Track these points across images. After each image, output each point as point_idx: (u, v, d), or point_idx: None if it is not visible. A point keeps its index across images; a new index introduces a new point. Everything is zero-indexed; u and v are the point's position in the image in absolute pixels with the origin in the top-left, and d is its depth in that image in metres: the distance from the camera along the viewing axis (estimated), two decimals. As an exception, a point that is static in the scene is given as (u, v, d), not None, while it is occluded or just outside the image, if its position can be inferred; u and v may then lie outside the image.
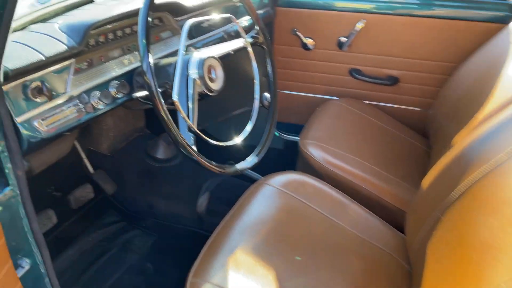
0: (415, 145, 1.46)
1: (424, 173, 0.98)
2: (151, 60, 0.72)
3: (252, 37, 1.01)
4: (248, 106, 1.06)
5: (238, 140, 0.91)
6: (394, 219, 1.14)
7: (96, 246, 1.26)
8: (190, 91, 0.82)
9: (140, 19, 0.72)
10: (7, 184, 0.69)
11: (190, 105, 0.81)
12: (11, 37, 0.74)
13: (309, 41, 1.63)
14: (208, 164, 0.80)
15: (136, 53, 0.92)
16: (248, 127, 0.95)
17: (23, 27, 0.78)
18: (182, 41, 0.81)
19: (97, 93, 0.80)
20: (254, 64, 0.98)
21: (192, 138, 0.79)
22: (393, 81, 1.58)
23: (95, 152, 1.36)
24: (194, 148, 0.78)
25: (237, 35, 1.33)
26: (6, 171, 0.68)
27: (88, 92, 0.79)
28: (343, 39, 1.58)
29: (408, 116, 1.63)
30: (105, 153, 1.38)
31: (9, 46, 0.68)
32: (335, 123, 1.44)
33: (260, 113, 1.02)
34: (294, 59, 1.69)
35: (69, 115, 0.74)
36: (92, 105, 0.79)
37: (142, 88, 0.89)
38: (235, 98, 1.67)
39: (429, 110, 1.48)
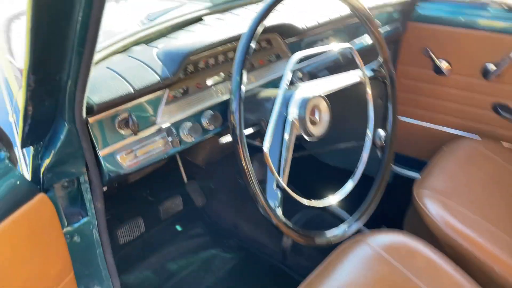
0: None
1: None
2: (242, 96, 0.62)
3: (373, 70, 0.83)
4: (356, 141, 0.89)
5: (334, 199, 0.76)
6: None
7: (179, 257, 1.25)
8: (286, 136, 0.69)
9: (239, 49, 0.62)
10: (86, 215, 0.67)
11: (283, 153, 0.68)
12: (109, 62, 0.72)
13: (443, 64, 1.35)
14: (292, 233, 0.67)
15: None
16: (349, 185, 0.78)
17: (125, 49, 0.75)
18: (285, 76, 0.69)
19: (188, 124, 0.73)
20: (371, 106, 0.80)
21: (279, 196, 0.66)
22: (556, 125, 1.22)
23: (190, 162, 1.35)
24: (279, 212, 0.66)
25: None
26: (86, 201, 0.66)
27: (178, 123, 0.72)
28: (491, 67, 1.26)
29: None
30: (199, 165, 1.36)
31: (103, 74, 0.65)
32: (466, 171, 1.16)
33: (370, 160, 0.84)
34: (422, 83, 1.43)
35: (154, 149, 0.69)
36: (180, 138, 0.72)
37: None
38: (342, 128, 1.50)
39: None
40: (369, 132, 0.80)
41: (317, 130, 0.72)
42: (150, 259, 1.21)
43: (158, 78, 0.66)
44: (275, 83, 0.91)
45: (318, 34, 1.02)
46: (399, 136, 1.56)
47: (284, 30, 0.90)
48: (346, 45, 0.78)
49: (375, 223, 1.44)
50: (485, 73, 1.28)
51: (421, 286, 0.84)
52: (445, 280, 0.86)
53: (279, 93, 0.68)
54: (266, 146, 0.63)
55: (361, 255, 0.89)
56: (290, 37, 0.92)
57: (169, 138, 0.70)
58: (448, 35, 1.31)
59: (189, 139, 0.73)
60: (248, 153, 0.62)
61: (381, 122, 0.94)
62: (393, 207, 1.24)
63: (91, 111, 0.59)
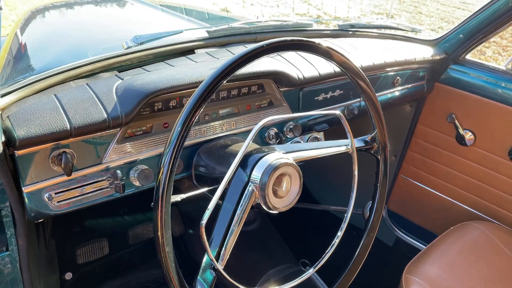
0: None
1: None
2: (179, 152, 0.51)
3: (365, 141, 0.70)
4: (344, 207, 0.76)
5: None
6: None
7: (143, 285, 1.15)
8: (242, 203, 0.58)
9: (192, 97, 0.51)
10: (7, 249, 0.59)
11: (232, 226, 0.57)
12: (63, 88, 0.64)
13: (467, 135, 1.19)
14: None
15: (214, 124, 0.73)
16: (306, 276, 0.65)
17: (91, 74, 0.67)
18: (249, 138, 0.58)
19: (141, 167, 0.64)
20: (355, 182, 0.68)
21: (211, 279, 0.55)
22: None
23: (174, 186, 1.25)
24: None
25: (363, 113, 1.02)
26: (8, 236, 0.58)
27: (130, 165, 0.64)
28: (520, 149, 1.09)
29: None
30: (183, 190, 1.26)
31: (45, 103, 0.58)
32: (467, 262, 0.99)
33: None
34: (440, 149, 1.27)
35: (92, 191, 0.60)
36: (127, 182, 0.63)
37: (198, 176, 0.70)
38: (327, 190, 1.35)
39: None
40: (348, 214, 0.68)
41: (280, 203, 0.60)
42: (113, 282, 1.12)
43: (105, 116, 0.57)
44: (259, 133, 0.80)
45: (323, 84, 0.91)
46: (406, 200, 1.40)
47: (279, 78, 0.80)
48: (334, 112, 0.66)
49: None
50: (512, 154, 1.11)
51: None
52: None
53: (239, 154, 0.57)
54: (205, 217, 0.53)
55: None
56: (286, 86, 0.82)
57: (111, 182, 0.61)
58: (478, 105, 1.15)
59: (137, 183, 0.64)
60: (169, 223, 0.51)
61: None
62: (388, 278, 1.09)
63: (14, 145, 0.51)
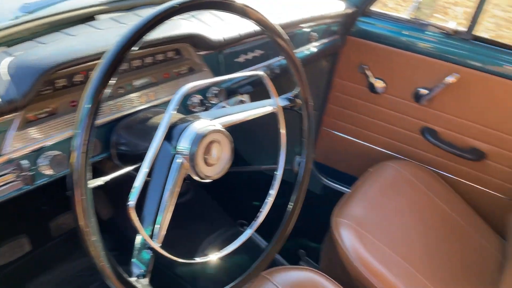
0: (487, 249, 1.07)
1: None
2: (92, 130, 0.46)
3: (289, 99, 0.71)
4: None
5: (218, 255, 0.64)
6: None
7: (76, 276, 1.08)
8: (171, 179, 0.55)
9: (97, 70, 0.45)
10: None
11: (164, 201, 0.54)
12: None
13: (378, 83, 1.27)
14: None
15: (130, 96, 0.67)
16: (245, 235, 0.66)
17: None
18: (171, 107, 0.54)
19: (52, 153, 0.57)
20: (283, 141, 0.68)
21: (148, 259, 0.53)
22: (477, 155, 1.18)
23: (96, 168, 1.17)
24: (143, 282, 0.52)
25: (284, 71, 1.03)
26: None
27: (37, 152, 0.56)
28: (423, 91, 1.20)
29: (486, 202, 1.22)
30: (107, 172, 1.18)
31: None
32: (387, 198, 1.09)
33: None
34: (355, 99, 1.35)
35: None
36: (36, 172, 0.56)
37: (120, 155, 0.65)
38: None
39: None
40: (279, 171, 0.69)
41: (212, 171, 0.59)
42: (41, 279, 1.03)
43: None
44: (182, 102, 0.76)
45: (242, 44, 0.88)
46: (329, 150, 1.49)
47: (196, 42, 0.75)
48: (257, 72, 0.65)
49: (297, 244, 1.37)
50: (417, 97, 1.22)
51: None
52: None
53: (161, 126, 0.53)
54: (132, 197, 0.49)
55: (264, 296, 0.79)
56: (205, 49, 0.77)
57: (20, 173, 0.54)
58: (386, 54, 1.23)
59: (49, 172, 0.57)
60: (91, 210, 0.47)
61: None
62: (318, 221, 1.16)
63: None
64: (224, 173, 0.61)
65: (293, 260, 1.34)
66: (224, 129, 0.59)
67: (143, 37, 0.47)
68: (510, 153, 1.15)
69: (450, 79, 1.13)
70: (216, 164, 0.59)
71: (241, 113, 0.65)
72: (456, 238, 1.05)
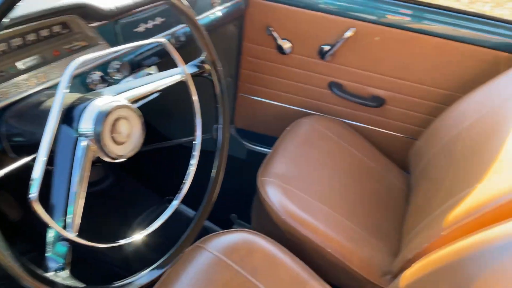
0: (394, 184, 1.21)
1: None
2: None
3: (197, 66, 0.69)
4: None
5: (139, 236, 0.62)
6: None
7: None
8: (77, 165, 0.52)
9: None
10: None
11: (73, 189, 0.51)
12: None
13: (285, 44, 1.31)
14: None
15: (16, 81, 0.59)
16: (169, 211, 0.65)
17: None
18: (61, 85, 0.49)
19: None
20: (197, 111, 0.67)
21: (65, 251, 0.50)
22: (379, 102, 1.30)
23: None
24: (63, 275, 0.49)
25: (191, 39, 1.00)
26: None
27: None
28: (326, 47, 1.27)
29: (390, 143, 1.37)
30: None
31: None
32: (305, 152, 1.16)
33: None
34: (266, 62, 1.37)
35: None
36: None
37: (16, 148, 0.58)
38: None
39: (416, 139, 1.23)
40: (197, 140, 0.68)
41: (124, 150, 0.56)
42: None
43: None
44: (81, 80, 0.70)
45: (143, 12, 0.83)
46: (249, 115, 1.52)
47: (85, 12, 0.68)
48: (158, 40, 0.61)
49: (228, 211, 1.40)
50: (322, 54, 1.28)
51: (259, 286, 0.80)
52: (282, 273, 0.84)
53: (53, 108, 0.49)
54: (33, 189, 0.45)
55: (200, 264, 0.81)
56: (96, 20, 0.71)
57: None
58: (289, 14, 1.26)
59: None
60: None
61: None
62: (248, 188, 1.19)
63: None
64: (137, 149, 0.58)
65: (228, 226, 1.37)
66: (130, 104, 0.56)
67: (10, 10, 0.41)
68: (405, 96, 1.28)
69: (348, 33, 1.20)
70: (127, 141, 0.56)
71: (147, 85, 0.62)
72: (367, 178, 1.17)
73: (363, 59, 1.26)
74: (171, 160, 1.26)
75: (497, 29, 1.13)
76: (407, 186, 1.21)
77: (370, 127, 1.36)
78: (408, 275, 0.72)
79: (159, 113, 1.40)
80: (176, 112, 1.35)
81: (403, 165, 1.28)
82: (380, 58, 1.24)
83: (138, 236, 0.61)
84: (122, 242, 0.59)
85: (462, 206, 0.77)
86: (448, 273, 0.65)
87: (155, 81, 0.63)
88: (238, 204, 1.38)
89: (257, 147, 1.54)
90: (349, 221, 1.00)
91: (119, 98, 0.57)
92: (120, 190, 1.22)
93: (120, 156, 0.56)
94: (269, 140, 1.51)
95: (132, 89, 0.60)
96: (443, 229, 0.77)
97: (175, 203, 0.66)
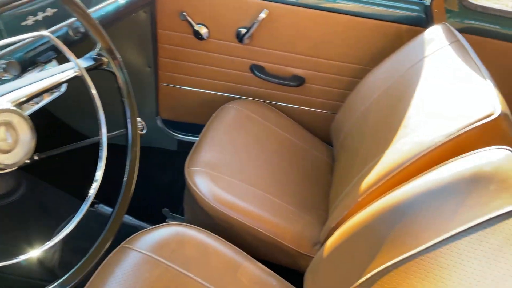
0: (320, 158, 1.26)
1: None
2: None
3: (93, 58, 0.64)
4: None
5: (36, 252, 0.57)
6: (301, 266, 0.95)
7: None
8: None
9: None
10: None
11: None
12: None
13: (202, 29, 1.27)
14: None
15: None
16: (72, 225, 0.60)
17: None
18: None
19: None
20: (99, 107, 0.63)
21: None
22: (299, 81, 1.33)
23: None
24: None
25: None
26: None
27: None
28: (243, 30, 1.26)
29: (312, 119, 1.41)
30: None
31: None
32: (232, 137, 1.16)
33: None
34: (184, 49, 1.33)
35: None
36: None
37: None
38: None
39: (336, 114, 1.28)
40: (103, 138, 0.64)
41: (14, 157, 0.50)
42: None
43: None
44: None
45: (28, 5, 0.74)
46: (174, 105, 1.47)
47: None
48: (40, 33, 0.55)
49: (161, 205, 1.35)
50: (239, 37, 1.27)
51: (192, 277, 0.79)
52: (214, 261, 0.84)
53: None
54: None
55: (128, 265, 0.77)
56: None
57: None
58: (202, -2, 1.22)
59: None
60: None
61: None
62: (181, 180, 1.16)
63: None
64: (30, 154, 0.53)
65: (161, 221, 1.34)
66: (13, 107, 0.51)
67: None
68: (323, 74, 1.32)
69: (262, 15, 1.20)
70: (16, 148, 0.51)
71: (33, 84, 0.56)
72: (295, 156, 1.20)
73: (280, 40, 1.27)
74: (91, 159, 1.19)
75: (397, 3, 1.21)
76: (331, 158, 1.27)
77: (293, 106, 1.40)
78: (331, 242, 0.76)
79: (74, 111, 1.30)
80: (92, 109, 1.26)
81: (326, 139, 1.34)
82: (296, 38, 1.26)
83: (35, 252, 0.56)
84: (22, 258, 0.54)
85: (374, 172, 0.82)
86: (363, 235, 0.70)
87: (44, 79, 0.57)
88: (172, 197, 1.34)
89: (188, 137, 1.50)
90: (279, 199, 1.03)
91: (1, 101, 0.51)
92: (37, 198, 1.12)
93: (11, 165, 0.50)
94: (199, 129, 1.49)
95: (16, 90, 0.54)
96: (359, 196, 0.82)
97: (84, 208, 0.61)
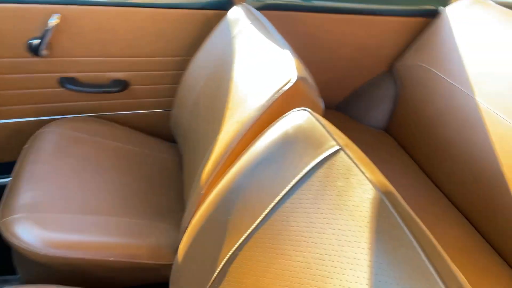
0: (166, 159, 1.20)
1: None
2: None
3: None
4: None
5: None
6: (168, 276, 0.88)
7: None
8: None
9: None
10: None
11: None
12: None
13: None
14: None
15: None
16: None
17: None
18: None
19: None
20: None
21: None
22: (121, 85, 1.22)
23: None
24: None
25: None
26: None
27: None
28: (36, 41, 1.07)
29: (152, 122, 1.34)
30: None
31: None
32: (54, 166, 0.99)
33: None
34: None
35: None
36: None
37: None
38: None
39: (171, 110, 1.23)
40: None
41: None
42: None
43: None
44: None
45: None
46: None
47: None
48: None
49: None
50: (33, 50, 1.08)
51: None
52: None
53: None
54: None
55: None
56: None
57: None
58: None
59: None
60: None
61: None
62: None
63: None
64: None
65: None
66: None
67: None
68: (146, 72, 1.24)
69: (52, 21, 1.04)
70: None
71: None
72: (136, 164, 1.11)
73: (87, 46, 1.13)
74: None
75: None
76: (177, 155, 1.22)
77: (125, 112, 1.29)
78: (183, 245, 0.71)
79: None
80: None
81: (172, 138, 1.28)
82: (105, 40, 1.14)
83: None
84: None
85: (210, 161, 0.80)
86: (209, 228, 0.67)
87: None
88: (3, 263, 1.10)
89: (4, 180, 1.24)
90: (127, 217, 0.93)
91: None
92: None
93: None
94: (9, 167, 1.24)
95: None
96: (202, 189, 0.79)
97: None
